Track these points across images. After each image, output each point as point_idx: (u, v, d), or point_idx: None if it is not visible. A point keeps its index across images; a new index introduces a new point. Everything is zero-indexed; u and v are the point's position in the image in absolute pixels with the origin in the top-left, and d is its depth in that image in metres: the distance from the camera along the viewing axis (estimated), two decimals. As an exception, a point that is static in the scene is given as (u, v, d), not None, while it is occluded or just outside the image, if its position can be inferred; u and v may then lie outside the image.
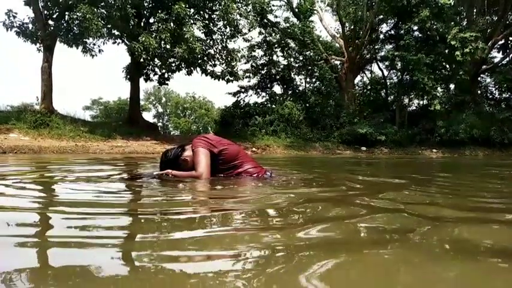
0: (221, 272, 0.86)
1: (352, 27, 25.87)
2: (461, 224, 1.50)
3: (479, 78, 25.79)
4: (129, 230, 1.30)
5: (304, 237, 1.17)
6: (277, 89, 26.55)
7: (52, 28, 15.90)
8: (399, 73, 24.27)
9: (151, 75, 19.69)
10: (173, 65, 18.43)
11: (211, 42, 19.39)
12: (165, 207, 1.74)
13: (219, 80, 19.60)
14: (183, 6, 15.98)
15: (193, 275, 0.84)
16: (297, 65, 25.91)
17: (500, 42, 24.44)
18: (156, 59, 17.52)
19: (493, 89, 26.57)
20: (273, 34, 24.66)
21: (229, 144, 3.03)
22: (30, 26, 15.86)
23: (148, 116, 59.21)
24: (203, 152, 2.83)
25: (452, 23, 21.74)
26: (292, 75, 26.19)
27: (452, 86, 24.71)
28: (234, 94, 25.71)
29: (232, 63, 19.73)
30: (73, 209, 1.65)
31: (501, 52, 25.66)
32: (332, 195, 2.16)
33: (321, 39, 26.70)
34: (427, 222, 1.49)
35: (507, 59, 24.85)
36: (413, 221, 1.51)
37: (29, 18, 15.97)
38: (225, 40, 19.56)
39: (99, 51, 16.99)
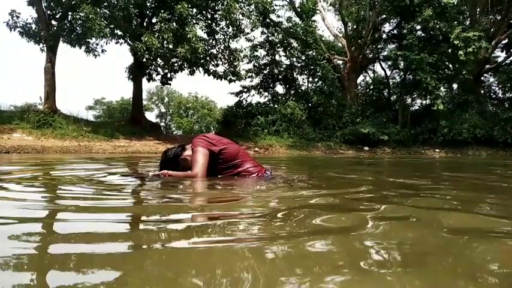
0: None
1: (355, 26, 25.85)
2: (476, 237, 1.35)
3: (482, 78, 25.71)
4: (129, 240, 1.22)
5: (303, 250, 1.10)
6: (280, 88, 26.59)
7: (55, 28, 15.97)
8: (402, 73, 24.24)
9: (154, 75, 19.77)
10: (176, 64, 18.49)
11: (213, 42, 19.43)
12: (164, 212, 1.65)
13: (221, 79, 19.64)
14: (186, 6, 16.01)
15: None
16: (299, 65, 25.89)
17: (503, 42, 24.34)
18: (158, 59, 17.56)
19: (497, 88, 26.48)
20: (276, 34, 24.66)
21: (229, 143, 3.02)
22: (34, 26, 15.94)
23: (151, 116, 59.30)
24: (201, 151, 2.83)
25: (456, 22, 21.70)
26: (295, 75, 26.19)
27: (455, 86, 24.66)
28: (237, 94, 25.74)
29: (235, 63, 19.77)
30: (67, 215, 1.56)
31: (504, 51, 25.56)
32: (335, 200, 2.03)
33: (323, 38, 26.69)
34: (440, 235, 1.35)
35: (511, 58, 24.73)
36: (423, 232, 1.39)
37: (32, 18, 16.06)
38: (227, 40, 19.60)
39: (102, 51, 17.05)
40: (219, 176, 2.95)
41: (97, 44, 16.89)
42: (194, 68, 18.92)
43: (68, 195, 2.14)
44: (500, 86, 25.53)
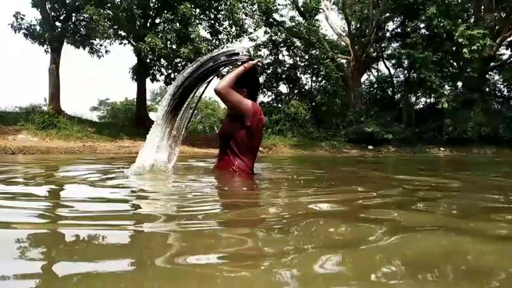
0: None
1: (358, 25, 25.75)
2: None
3: (487, 76, 25.53)
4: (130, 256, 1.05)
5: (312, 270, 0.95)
6: (283, 88, 26.55)
7: (59, 29, 16.02)
8: (406, 71, 24.17)
9: (157, 76, 19.76)
10: (179, 65, 18.48)
11: (217, 42, 19.41)
12: (176, 223, 1.42)
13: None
14: (189, 6, 16.02)
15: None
16: (302, 64, 25.86)
17: (508, 39, 24.13)
18: (162, 59, 17.58)
19: (502, 86, 26.31)
20: (279, 33, 24.62)
21: (260, 137, 2.95)
22: (38, 27, 15.98)
23: (155, 117, 59.16)
24: (246, 100, 2.74)
25: (460, 20, 21.54)
26: (298, 74, 26.16)
27: (460, 84, 24.51)
28: (240, 94, 25.73)
29: (238, 63, 19.73)
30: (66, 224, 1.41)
31: (509, 49, 25.34)
32: (344, 208, 1.77)
33: (326, 38, 26.60)
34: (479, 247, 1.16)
35: (516, 56, 24.56)
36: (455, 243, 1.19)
37: (36, 20, 16.10)
38: (230, 40, 19.57)
39: (106, 52, 17.13)
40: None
41: (101, 45, 16.97)
42: (198, 68, 18.91)
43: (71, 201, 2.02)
44: (505, 83, 25.36)
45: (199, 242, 1.18)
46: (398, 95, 26.57)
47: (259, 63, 2.48)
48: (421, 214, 1.69)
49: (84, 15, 14.34)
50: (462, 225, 1.47)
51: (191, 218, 1.49)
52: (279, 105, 23.82)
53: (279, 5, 23.96)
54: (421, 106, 26.39)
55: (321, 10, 25.23)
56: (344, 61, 26.24)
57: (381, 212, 1.67)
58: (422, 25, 22.72)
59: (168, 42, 16.25)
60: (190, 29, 16.33)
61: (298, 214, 1.56)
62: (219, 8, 18.33)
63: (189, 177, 2.92)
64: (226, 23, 19.02)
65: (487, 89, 25.62)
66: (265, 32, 24.36)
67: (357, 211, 1.70)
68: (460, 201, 2.12)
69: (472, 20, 23.33)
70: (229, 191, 2.37)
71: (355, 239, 1.26)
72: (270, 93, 26.01)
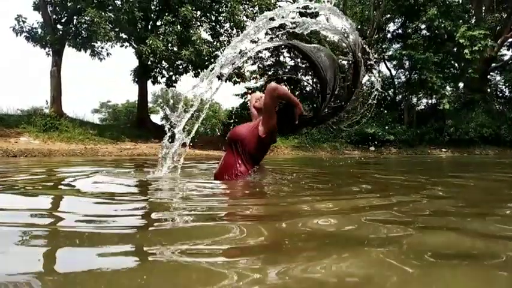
0: None
1: (359, 26, 25.74)
2: None
3: (488, 77, 25.50)
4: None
5: None
6: (284, 89, 26.53)
7: (61, 32, 16.08)
8: (407, 72, 24.13)
9: (158, 78, 19.81)
10: (180, 67, 18.53)
11: (218, 44, 19.42)
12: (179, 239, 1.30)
13: (226, 81, 19.64)
14: (190, 8, 16.07)
15: None
16: (303, 66, 25.86)
17: (510, 40, 24.11)
18: (163, 62, 17.62)
19: (503, 87, 26.28)
20: (280, 35, 24.64)
21: (265, 152, 3.02)
22: (39, 30, 16.04)
23: (156, 119, 59.32)
24: (275, 115, 2.78)
25: (461, 21, 21.55)
26: (299, 76, 26.16)
27: (461, 85, 24.48)
28: (241, 96, 25.78)
29: (239, 65, 19.77)
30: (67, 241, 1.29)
31: (511, 50, 25.35)
32: (348, 223, 1.50)
33: (327, 39, 26.59)
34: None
35: (517, 56, 24.53)
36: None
37: (38, 23, 16.17)
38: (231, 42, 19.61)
39: (107, 54, 17.20)
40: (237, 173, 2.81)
41: (102, 48, 17.05)
42: (199, 70, 18.92)
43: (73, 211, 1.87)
44: (507, 84, 25.34)
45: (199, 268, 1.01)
46: (400, 96, 26.53)
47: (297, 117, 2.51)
48: (447, 233, 1.36)
49: (86, 17, 14.38)
50: (500, 249, 1.16)
51: (190, 236, 1.34)
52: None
53: (279, 6, 23.96)
54: (423, 107, 26.36)
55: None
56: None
57: (395, 231, 1.37)
58: (423, 26, 22.72)
59: (169, 45, 16.29)
60: (191, 31, 16.38)
61: (295, 233, 1.36)
62: (220, 10, 18.37)
63: (194, 184, 2.91)
64: (227, 25, 19.05)
65: (489, 90, 25.57)
66: (266, 34, 24.36)
67: (365, 228, 1.42)
68: (490, 213, 1.79)
69: (473, 21, 23.32)
70: (228, 198, 2.33)
71: (362, 277, 0.96)
72: (271, 94, 26.02)
